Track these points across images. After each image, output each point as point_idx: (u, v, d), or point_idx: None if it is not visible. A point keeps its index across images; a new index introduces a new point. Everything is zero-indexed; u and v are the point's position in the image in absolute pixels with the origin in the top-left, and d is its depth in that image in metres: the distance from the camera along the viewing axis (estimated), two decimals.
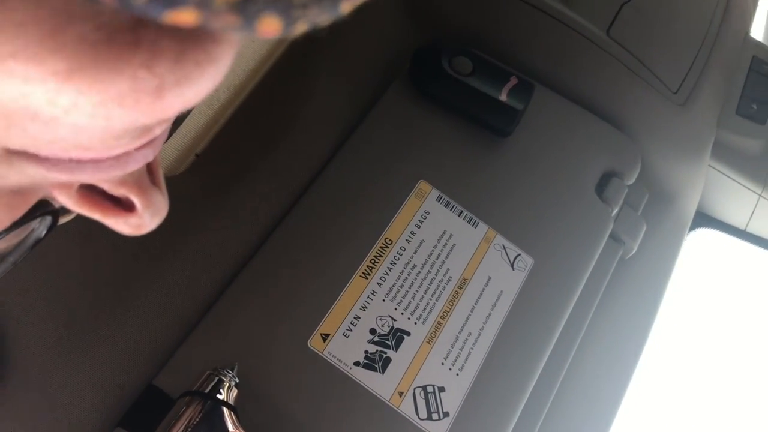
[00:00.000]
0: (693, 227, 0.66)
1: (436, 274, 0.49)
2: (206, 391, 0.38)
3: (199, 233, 0.46)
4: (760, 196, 0.64)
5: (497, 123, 0.54)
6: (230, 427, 0.37)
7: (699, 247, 0.68)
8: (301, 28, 0.14)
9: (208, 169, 0.51)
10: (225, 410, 0.38)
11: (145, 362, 0.42)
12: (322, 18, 0.14)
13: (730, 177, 0.64)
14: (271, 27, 0.13)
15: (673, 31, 0.63)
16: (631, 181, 0.58)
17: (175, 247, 0.45)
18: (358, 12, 0.17)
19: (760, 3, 0.76)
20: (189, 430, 0.37)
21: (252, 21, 0.13)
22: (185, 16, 0.12)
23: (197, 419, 0.37)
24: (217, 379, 0.39)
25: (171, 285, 0.44)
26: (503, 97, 0.53)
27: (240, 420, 0.38)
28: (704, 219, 0.67)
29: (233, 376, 0.39)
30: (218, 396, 0.38)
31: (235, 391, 0.39)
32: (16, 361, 0.40)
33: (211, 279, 0.45)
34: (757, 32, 0.80)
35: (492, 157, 0.54)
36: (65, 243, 0.43)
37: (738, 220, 0.67)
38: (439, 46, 0.54)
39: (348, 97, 0.55)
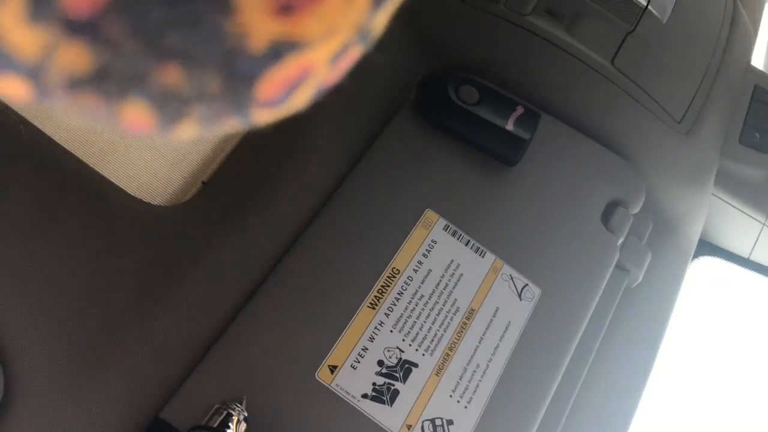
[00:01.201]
0: (696, 255, 0.66)
1: (443, 305, 0.48)
2: (215, 425, 0.38)
3: (206, 262, 0.46)
4: (763, 224, 0.64)
5: (504, 152, 0.54)
6: None
7: (703, 275, 0.68)
8: (189, 128, 0.12)
9: (215, 197, 0.51)
10: None
11: (152, 395, 0.41)
12: (231, 123, 0.13)
13: (733, 206, 0.64)
14: (139, 117, 0.11)
15: (676, 60, 0.63)
16: (636, 209, 0.58)
17: (181, 278, 0.45)
18: None
19: (760, 32, 0.77)
20: None
21: (113, 104, 0.11)
22: (10, 87, 0.10)
23: None
24: (225, 413, 0.38)
25: (177, 316, 0.44)
26: (510, 127, 0.53)
27: None
28: (708, 247, 0.67)
29: (242, 410, 0.39)
30: (227, 430, 0.38)
31: (244, 426, 0.39)
32: (20, 394, 0.39)
33: (218, 310, 0.45)
34: (758, 61, 0.80)
35: (499, 186, 0.54)
36: (71, 272, 0.43)
37: (741, 249, 0.67)
38: (446, 74, 0.54)
39: (354, 124, 0.55)
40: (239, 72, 0.12)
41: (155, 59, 0.10)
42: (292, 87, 0.14)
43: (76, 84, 0.10)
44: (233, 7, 0.11)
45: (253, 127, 0.12)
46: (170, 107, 0.11)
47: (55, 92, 0.10)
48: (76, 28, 0.10)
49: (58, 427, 0.39)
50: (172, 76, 0.11)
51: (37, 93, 0.10)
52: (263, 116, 0.13)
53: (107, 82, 0.11)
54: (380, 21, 0.15)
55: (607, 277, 0.54)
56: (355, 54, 0.16)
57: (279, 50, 0.12)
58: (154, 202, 0.50)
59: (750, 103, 0.66)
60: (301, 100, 0.15)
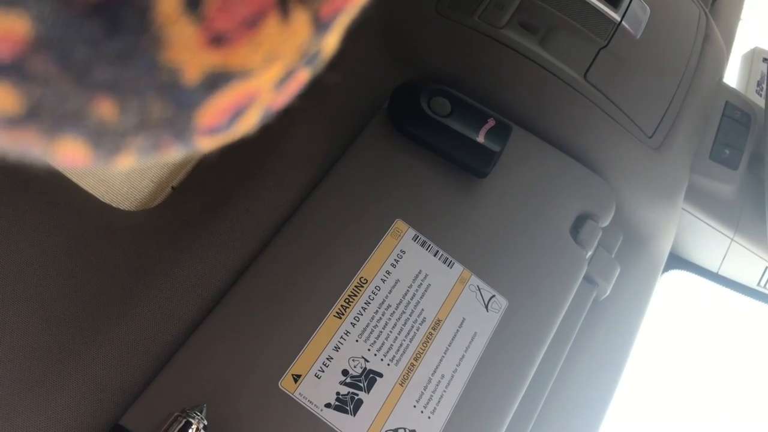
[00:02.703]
0: (666, 269, 0.67)
1: (410, 315, 0.49)
2: None
3: (173, 269, 0.46)
4: (732, 239, 0.65)
5: (474, 164, 0.54)
6: None
7: (672, 289, 0.68)
8: (128, 159, 0.12)
9: (185, 202, 0.51)
10: None
11: (112, 401, 0.41)
12: (174, 151, 0.12)
13: (703, 221, 0.65)
14: (75, 152, 0.11)
15: (648, 76, 0.64)
16: (606, 223, 0.58)
17: (146, 282, 0.45)
18: (338, 50, 0.16)
19: (733, 49, 0.78)
20: None
21: (48, 141, 0.11)
22: None
23: None
24: (184, 421, 0.38)
25: (140, 321, 0.44)
26: (480, 139, 0.53)
27: None
28: (677, 261, 0.68)
29: (201, 418, 0.39)
30: None
31: None
32: None
33: (182, 316, 0.45)
34: (730, 79, 0.81)
35: (468, 198, 0.54)
36: (38, 277, 0.43)
37: (710, 263, 0.67)
38: (418, 85, 0.55)
39: (326, 133, 0.55)
40: (176, 103, 0.12)
41: (86, 95, 0.10)
42: (236, 114, 0.14)
43: (9, 123, 0.10)
44: (163, 41, 0.11)
45: (198, 153, 0.12)
46: (107, 140, 0.11)
47: None
48: (1, 70, 0.10)
49: (17, 430, 0.38)
50: (105, 110, 0.11)
51: None
52: (207, 143, 0.13)
53: (40, 119, 0.10)
54: (330, 42, 0.15)
55: (575, 289, 0.54)
56: (302, 77, 0.16)
57: (216, 80, 0.12)
58: (122, 207, 0.50)
59: (721, 119, 0.67)
60: (246, 125, 0.15)
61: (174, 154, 0.13)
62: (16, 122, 0.10)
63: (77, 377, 0.41)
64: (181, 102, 0.12)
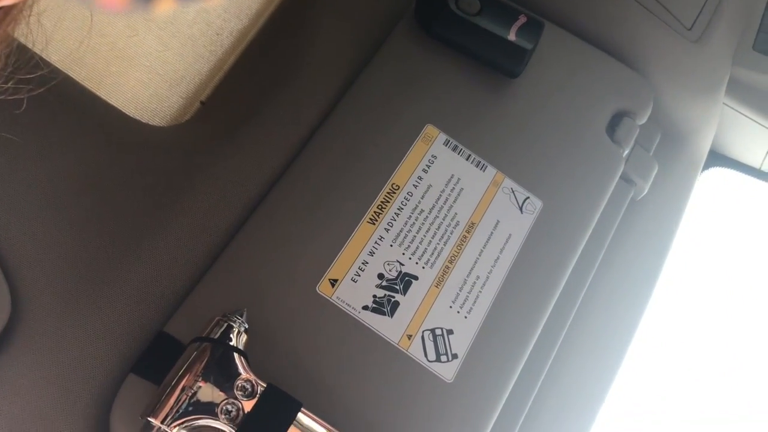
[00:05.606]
0: (706, 166, 0.65)
1: (443, 219, 0.48)
2: (216, 336, 0.39)
3: (206, 181, 0.46)
4: None
5: (506, 63, 0.52)
6: (241, 370, 0.38)
7: (712, 187, 0.67)
8: (166, 4, 0.11)
9: (214, 116, 0.51)
10: (235, 355, 0.38)
11: (156, 310, 0.42)
12: None
13: (745, 115, 0.63)
14: None
15: None
16: (643, 120, 0.57)
17: (182, 196, 0.45)
18: None
19: None
20: (200, 374, 0.37)
21: None
22: None
23: (207, 364, 0.38)
24: (226, 324, 0.39)
25: (180, 233, 0.44)
26: (512, 37, 0.51)
27: (250, 364, 0.39)
28: (718, 158, 0.66)
29: (242, 321, 0.40)
30: (228, 341, 0.39)
31: (244, 337, 0.39)
32: (27, 312, 0.40)
33: (219, 226, 0.45)
34: None
35: (500, 99, 0.53)
36: (73, 194, 0.43)
37: (753, 159, 0.66)
38: None
39: (352, 39, 0.54)
40: None
41: None
42: None
43: None
44: None
45: None
46: None
47: None
48: None
49: (64, 344, 0.40)
50: None
51: None
52: None
53: None
54: None
55: (611, 189, 0.53)
56: None
57: None
58: (153, 123, 0.50)
59: (766, 6, 0.64)
60: None
61: (211, 1, 0.12)
62: None
63: (119, 290, 0.42)
64: None
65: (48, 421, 0.39)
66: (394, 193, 0.48)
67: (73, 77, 0.48)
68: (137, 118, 0.50)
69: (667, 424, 0.70)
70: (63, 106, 0.46)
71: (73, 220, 0.43)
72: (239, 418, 0.37)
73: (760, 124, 0.63)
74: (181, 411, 0.37)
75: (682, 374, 0.70)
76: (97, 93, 0.48)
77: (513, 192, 0.51)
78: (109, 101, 0.48)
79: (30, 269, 0.41)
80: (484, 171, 0.51)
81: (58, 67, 0.47)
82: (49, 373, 0.40)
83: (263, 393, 0.38)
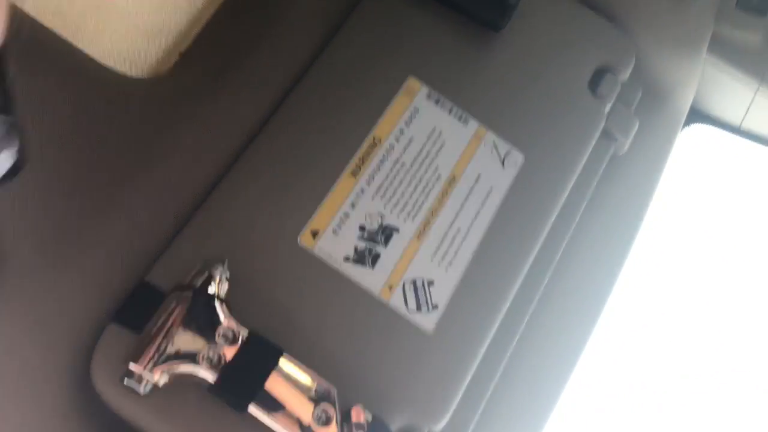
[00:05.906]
0: (687, 123, 0.66)
1: (425, 172, 0.49)
2: (197, 285, 0.39)
3: (186, 132, 0.46)
4: (757, 90, 0.63)
5: (489, 16, 0.52)
6: (222, 318, 0.38)
7: (692, 143, 0.67)
8: None
9: (192, 68, 0.50)
10: (216, 303, 0.38)
11: (136, 260, 0.42)
12: None
13: (726, 72, 0.63)
14: None
15: None
16: (626, 76, 0.57)
17: (162, 146, 0.45)
18: None
19: None
20: (181, 321, 0.37)
21: None
22: None
23: (189, 311, 0.38)
24: (207, 273, 0.39)
25: (160, 183, 0.44)
26: None
27: (232, 312, 0.39)
28: (698, 115, 0.66)
29: (224, 270, 0.40)
30: (210, 289, 0.39)
31: (226, 285, 0.40)
32: (5, 266, 0.40)
33: (199, 176, 0.45)
34: None
35: (483, 52, 0.53)
36: (52, 147, 0.43)
37: (733, 116, 0.66)
38: None
39: None
40: None
41: None
42: None
43: None
44: None
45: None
46: None
47: None
48: None
49: (45, 292, 0.40)
50: None
51: None
52: None
53: None
54: None
55: (593, 143, 0.54)
56: None
57: None
58: (131, 74, 0.50)
59: None
60: None
61: None
62: None
63: (101, 240, 0.42)
64: None
65: (28, 375, 0.39)
66: (376, 145, 0.48)
67: (51, 28, 0.47)
68: (115, 68, 0.49)
69: (648, 375, 0.71)
70: (40, 57, 0.45)
71: (51, 173, 0.43)
72: (221, 364, 0.37)
73: (741, 80, 0.63)
74: (163, 357, 0.37)
75: (660, 328, 0.71)
76: (76, 44, 0.48)
77: (495, 146, 0.51)
78: (87, 52, 0.48)
79: (7, 223, 0.41)
80: (466, 124, 0.51)
81: (34, 17, 0.46)
82: (29, 327, 0.40)
83: (245, 340, 0.38)
